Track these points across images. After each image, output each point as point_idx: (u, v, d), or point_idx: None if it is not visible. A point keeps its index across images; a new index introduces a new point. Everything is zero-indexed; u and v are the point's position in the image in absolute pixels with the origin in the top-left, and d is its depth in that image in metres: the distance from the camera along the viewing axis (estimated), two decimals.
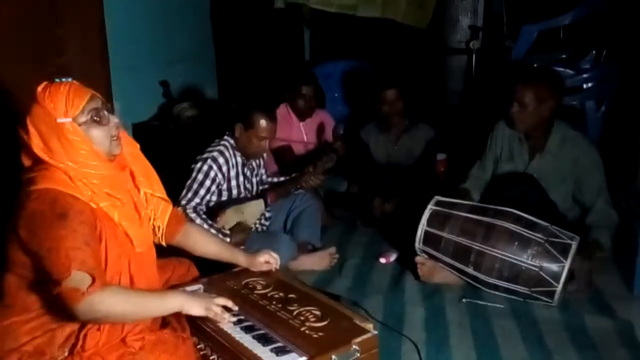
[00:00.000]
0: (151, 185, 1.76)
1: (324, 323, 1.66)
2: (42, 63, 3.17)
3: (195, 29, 4.77)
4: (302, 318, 1.70)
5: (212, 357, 1.65)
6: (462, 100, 4.97)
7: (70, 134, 1.51)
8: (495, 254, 2.40)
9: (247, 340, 1.59)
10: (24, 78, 2.15)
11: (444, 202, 2.64)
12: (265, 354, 1.52)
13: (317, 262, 2.87)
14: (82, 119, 1.54)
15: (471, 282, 2.53)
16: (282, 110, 3.65)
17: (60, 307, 1.47)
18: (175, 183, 2.42)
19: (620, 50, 4.12)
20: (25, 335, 1.52)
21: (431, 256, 2.60)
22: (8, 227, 1.52)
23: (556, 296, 2.34)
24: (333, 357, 1.50)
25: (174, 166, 2.61)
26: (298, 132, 3.72)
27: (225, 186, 2.77)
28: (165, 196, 1.83)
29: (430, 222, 2.59)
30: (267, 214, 2.98)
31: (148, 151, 1.82)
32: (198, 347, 1.70)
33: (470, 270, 2.48)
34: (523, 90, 2.63)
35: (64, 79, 1.57)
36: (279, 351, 1.53)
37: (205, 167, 2.69)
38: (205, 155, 2.73)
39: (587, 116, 4.10)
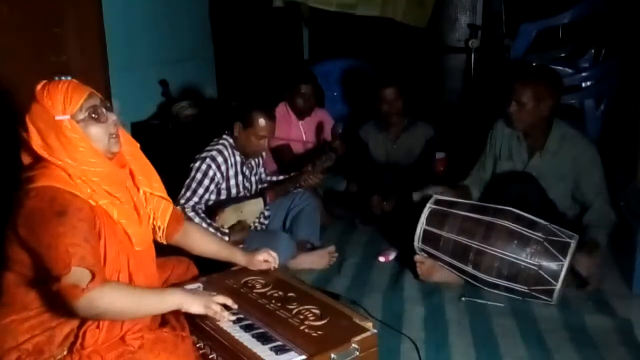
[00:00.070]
0: (150, 184, 1.76)
1: (323, 322, 1.66)
2: (41, 62, 3.17)
3: (194, 28, 4.76)
4: (301, 317, 1.69)
5: (212, 355, 1.65)
6: (461, 99, 4.98)
7: (69, 131, 1.51)
8: (494, 253, 2.41)
9: (246, 339, 1.59)
10: (23, 77, 2.15)
11: (443, 201, 2.64)
12: (264, 353, 1.52)
13: (316, 260, 2.87)
14: (80, 116, 1.54)
15: (470, 280, 2.53)
16: (281, 109, 3.64)
17: (59, 304, 1.46)
18: (174, 182, 2.42)
19: (620, 48, 4.12)
20: (24, 334, 1.52)
21: (430, 255, 2.61)
22: (7, 225, 1.52)
23: (555, 295, 2.34)
24: (332, 355, 1.50)
25: (172, 165, 2.61)
26: (297, 131, 3.72)
27: (224, 185, 2.77)
28: (165, 195, 1.82)
29: (429, 221, 2.59)
30: (266, 213, 2.98)
31: (147, 150, 1.81)
32: (197, 345, 1.69)
33: (469, 269, 2.48)
34: (521, 89, 2.63)
35: (63, 78, 1.57)
36: (278, 350, 1.53)
37: (204, 166, 2.69)
38: (204, 154, 2.73)
39: (586, 115, 4.10)
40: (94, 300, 1.42)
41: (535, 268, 2.34)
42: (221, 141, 2.80)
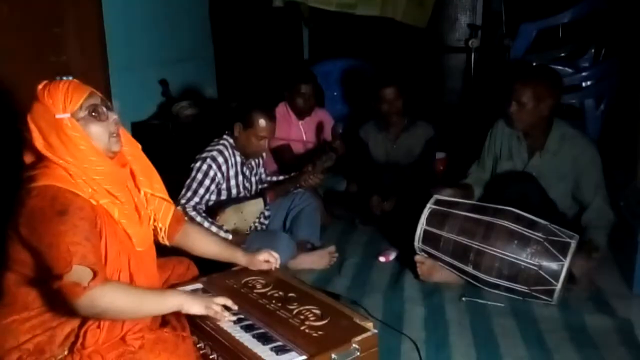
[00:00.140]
0: (152, 185, 1.77)
1: (323, 322, 1.66)
2: (41, 62, 3.17)
3: (195, 27, 4.76)
4: (301, 317, 1.69)
5: (212, 356, 1.65)
6: (461, 99, 4.98)
7: (69, 130, 1.52)
8: (494, 253, 2.41)
9: (246, 339, 1.59)
10: (23, 77, 2.15)
11: (443, 201, 2.64)
12: (265, 353, 1.52)
13: (316, 261, 2.87)
14: (81, 114, 1.54)
15: (471, 280, 2.53)
16: (281, 109, 3.64)
17: (60, 304, 1.47)
18: (174, 182, 2.42)
19: (620, 48, 4.12)
20: (25, 334, 1.52)
21: (431, 255, 2.61)
22: (9, 225, 1.52)
23: (555, 295, 2.34)
24: (333, 355, 1.50)
25: (173, 165, 2.61)
26: (297, 131, 3.72)
27: (224, 185, 2.77)
28: (166, 196, 1.83)
29: (429, 221, 2.59)
30: (267, 213, 2.98)
31: (147, 150, 1.82)
32: (198, 346, 1.70)
33: (469, 269, 2.48)
34: (521, 89, 2.63)
35: (64, 78, 1.58)
36: (279, 350, 1.53)
37: (204, 167, 2.69)
38: (204, 155, 2.73)
39: (586, 114, 4.10)
40: (95, 298, 1.42)
41: (535, 268, 2.34)
42: (221, 141, 2.80)
